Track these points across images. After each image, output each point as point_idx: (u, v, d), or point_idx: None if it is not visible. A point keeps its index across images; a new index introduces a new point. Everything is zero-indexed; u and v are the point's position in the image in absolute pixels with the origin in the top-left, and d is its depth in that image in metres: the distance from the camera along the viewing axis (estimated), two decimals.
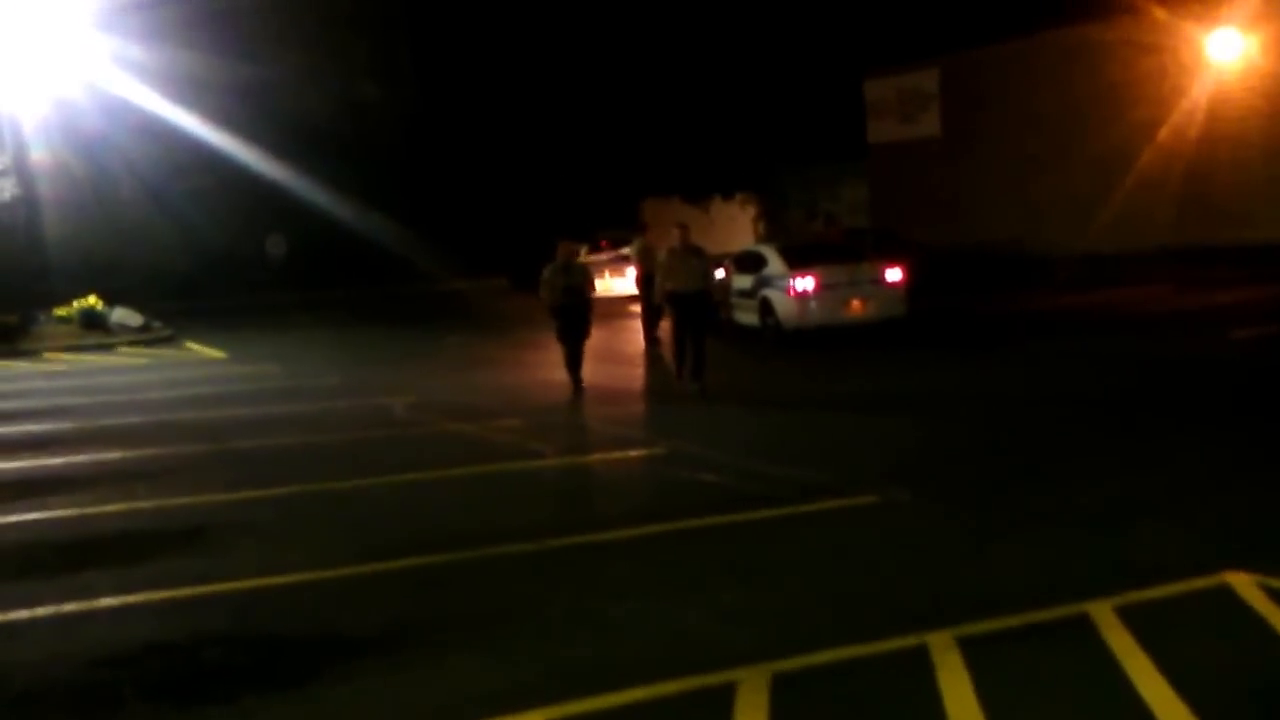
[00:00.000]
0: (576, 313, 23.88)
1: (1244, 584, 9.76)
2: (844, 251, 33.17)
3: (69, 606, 10.99)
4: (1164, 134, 43.06)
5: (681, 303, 23.30)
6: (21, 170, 46.82)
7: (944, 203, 49.50)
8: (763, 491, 14.28)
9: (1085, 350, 26.02)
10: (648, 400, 23.90)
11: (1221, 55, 42.13)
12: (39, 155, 50.27)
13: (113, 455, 18.82)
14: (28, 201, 47.72)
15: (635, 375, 26.79)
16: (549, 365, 27.39)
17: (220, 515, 14.55)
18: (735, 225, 58.49)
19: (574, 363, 23.80)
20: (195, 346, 38.53)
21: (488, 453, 17.91)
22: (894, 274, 29.94)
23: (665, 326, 25.87)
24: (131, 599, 11.15)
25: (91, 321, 42.50)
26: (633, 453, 17.58)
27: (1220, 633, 8.97)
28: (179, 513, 14.78)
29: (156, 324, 43.20)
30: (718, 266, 28.41)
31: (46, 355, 37.17)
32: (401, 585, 11.37)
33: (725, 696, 8.03)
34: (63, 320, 43.00)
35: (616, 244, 49.76)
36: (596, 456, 17.89)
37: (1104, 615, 9.21)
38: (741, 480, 14.89)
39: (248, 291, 58.27)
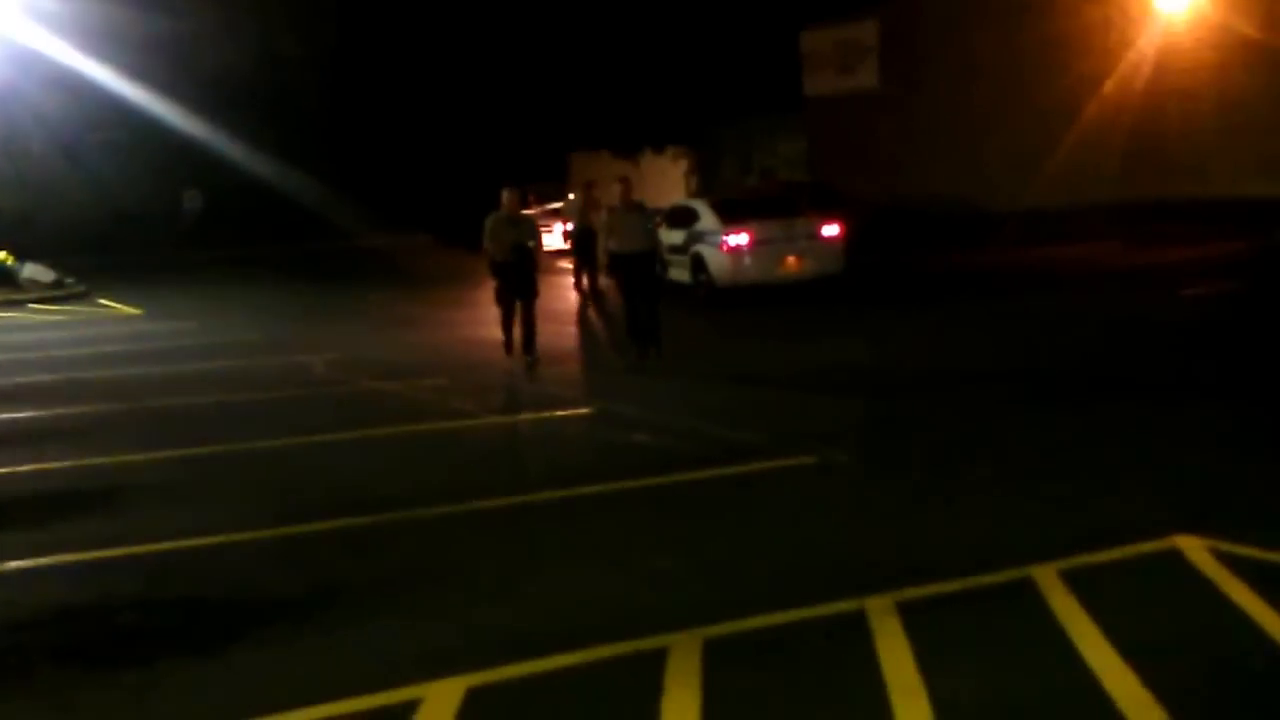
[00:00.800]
0: (522, 271, 21.91)
1: (1193, 548, 9.71)
2: (780, 206, 32.98)
3: None
4: (1111, 87, 42.96)
5: (627, 265, 21.76)
6: None
7: (884, 157, 49.32)
8: (697, 453, 14.22)
9: (1029, 309, 25.94)
10: (578, 359, 23.66)
11: (1170, 6, 42.15)
12: None
13: (23, 414, 18.78)
14: None
15: (566, 333, 26.67)
16: (474, 323, 27.34)
17: (135, 475, 14.47)
18: (666, 179, 58.20)
19: (508, 326, 22.02)
20: (110, 303, 38.27)
21: (412, 412, 17.83)
22: (831, 230, 29.88)
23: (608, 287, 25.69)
24: (43, 561, 11.08)
25: (1, 277, 42.13)
26: (562, 413, 17.53)
27: (1167, 596, 8.94)
28: (92, 473, 14.73)
29: (69, 280, 42.88)
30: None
31: None
32: (322, 548, 11.29)
33: (656, 663, 7.96)
34: None
35: (543, 198, 49.65)
36: (525, 416, 17.84)
37: (1048, 579, 9.15)
38: (675, 441, 14.84)
39: (164, 248, 57.88)
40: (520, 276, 21.94)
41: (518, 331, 21.88)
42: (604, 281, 28.59)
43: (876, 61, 52.01)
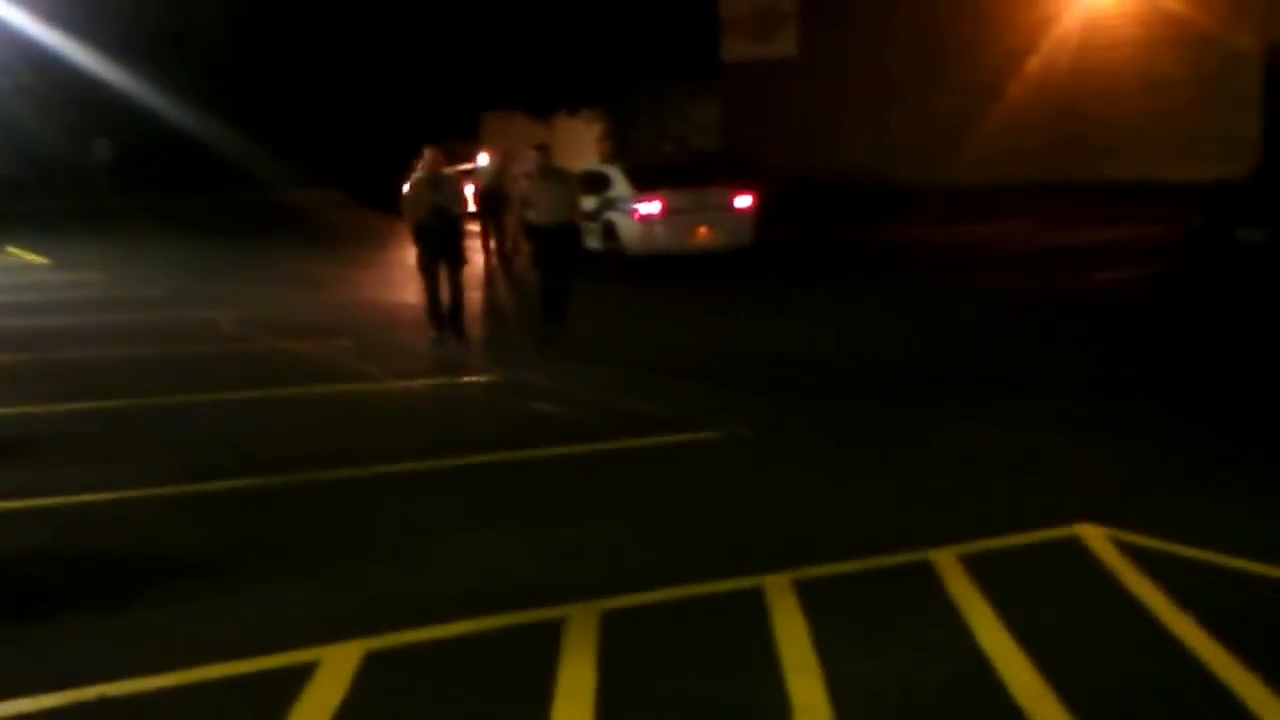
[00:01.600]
0: (446, 236, 20.34)
1: (1094, 536, 9.84)
2: (692, 175, 33.11)
3: None
4: (1033, 63, 43.00)
5: (545, 238, 20.40)
6: None
7: (800, 128, 49.34)
8: (601, 424, 14.32)
9: (940, 288, 26.11)
10: (486, 325, 23.52)
11: None
12: None
13: None
14: None
15: (472, 299, 26.69)
16: (383, 285, 27.42)
17: (37, 427, 14.48)
18: (580, 143, 58.10)
19: (435, 298, 20.47)
20: (16, 251, 37.98)
21: (316, 373, 17.86)
22: (744, 201, 29.88)
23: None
24: None
25: None
26: (468, 379, 17.60)
27: (1065, 583, 9.06)
28: None
29: None
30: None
31: None
32: (224, 507, 11.32)
33: (553, 633, 8.04)
34: None
35: (454, 159, 49.50)
36: (429, 382, 17.79)
37: (947, 563, 9.26)
38: (579, 412, 14.91)
39: (73, 196, 57.49)
40: (445, 241, 20.40)
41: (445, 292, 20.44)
42: (514, 249, 28.31)
43: (795, 30, 51.97)
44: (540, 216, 20.31)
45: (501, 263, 32.01)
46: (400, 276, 29.14)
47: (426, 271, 20.54)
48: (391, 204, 22.38)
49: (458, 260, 20.60)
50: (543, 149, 21.38)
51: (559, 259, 20.32)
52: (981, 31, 44.24)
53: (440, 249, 20.41)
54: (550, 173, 20.78)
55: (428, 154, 21.03)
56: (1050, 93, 42.54)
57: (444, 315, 20.46)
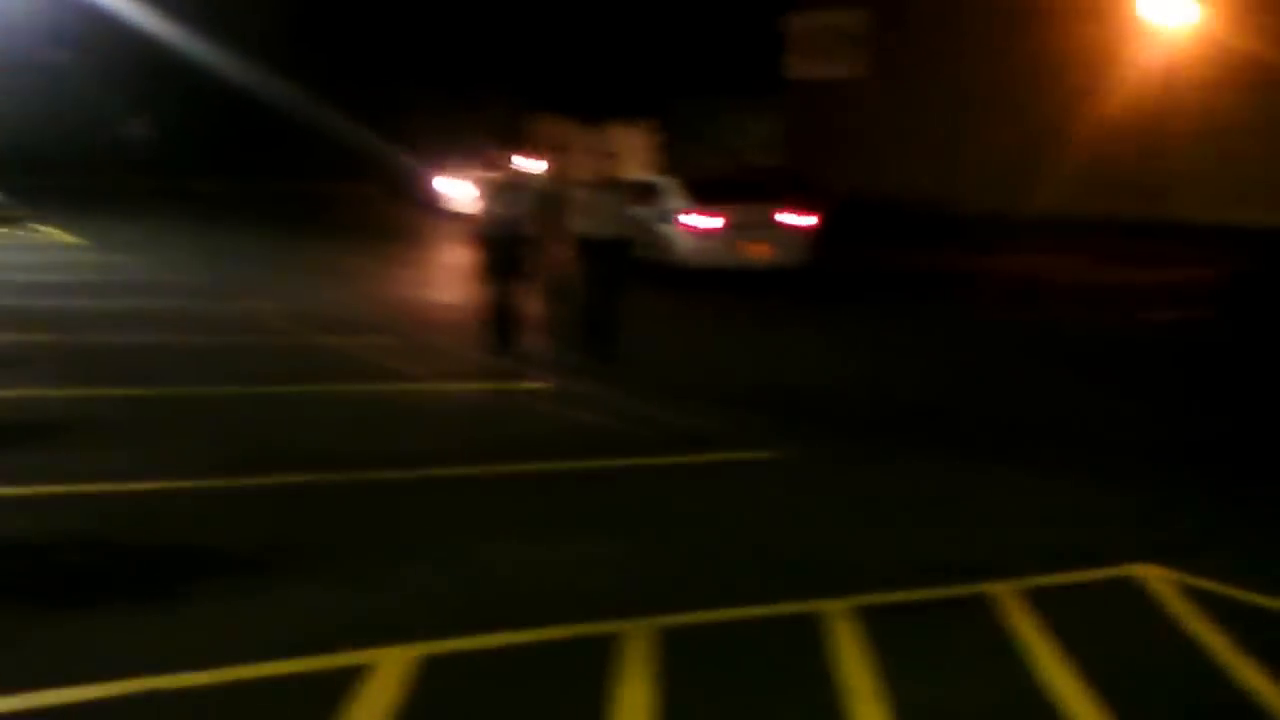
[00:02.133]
0: (510, 251, 19.24)
1: (1152, 576, 9.90)
2: (749, 190, 33.10)
3: None
4: (1101, 101, 43.00)
5: (595, 252, 19.37)
6: None
7: (860, 150, 49.23)
8: (649, 438, 14.42)
9: (992, 318, 26.30)
10: (535, 330, 23.55)
11: (1162, 24, 42.15)
12: None
13: None
14: None
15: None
16: (424, 283, 27.53)
17: (74, 412, 14.49)
18: (632, 153, 58.19)
19: (495, 313, 19.36)
20: (51, 229, 38.09)
21: (358, 370, 17.92)
22: (800, 219, 29.99)
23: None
24: None
25: None
26: (513, 385, 17.57)
27: (1123, 622, 9.12)
28: (31, 405, 14.75)
29: (9, 202, 42.60)
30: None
31: None
32: (265, 503, 11.35)
33: (610, 648, 8.06)
34: None
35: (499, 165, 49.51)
36: (474, 386, 17.84)
37: (1006, 596, 9.30)
38: (627, 424, 14.97)
39: (110, 175, 57.61)
40: (508, 256, 19.26)
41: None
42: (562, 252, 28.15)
43: (863, 51, 51.95)
44: (591, 227, 19.42)
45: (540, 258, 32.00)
46: (441, 276, 29.28)
47: (487, 284, 19.55)
48: (428, 200, 22.19)
49: (520, 277, 19.46)
50: (608, 156, 21.31)
51: (607, 274, 19.39)
52: (1051, 67, 44.11)
53: (502, 264, 19.33)
54: (608, 182, 20.25)
55: (497, 159, 20.86)
56: (1117, 131, 42.37)
57: (503, 331, 19.35)
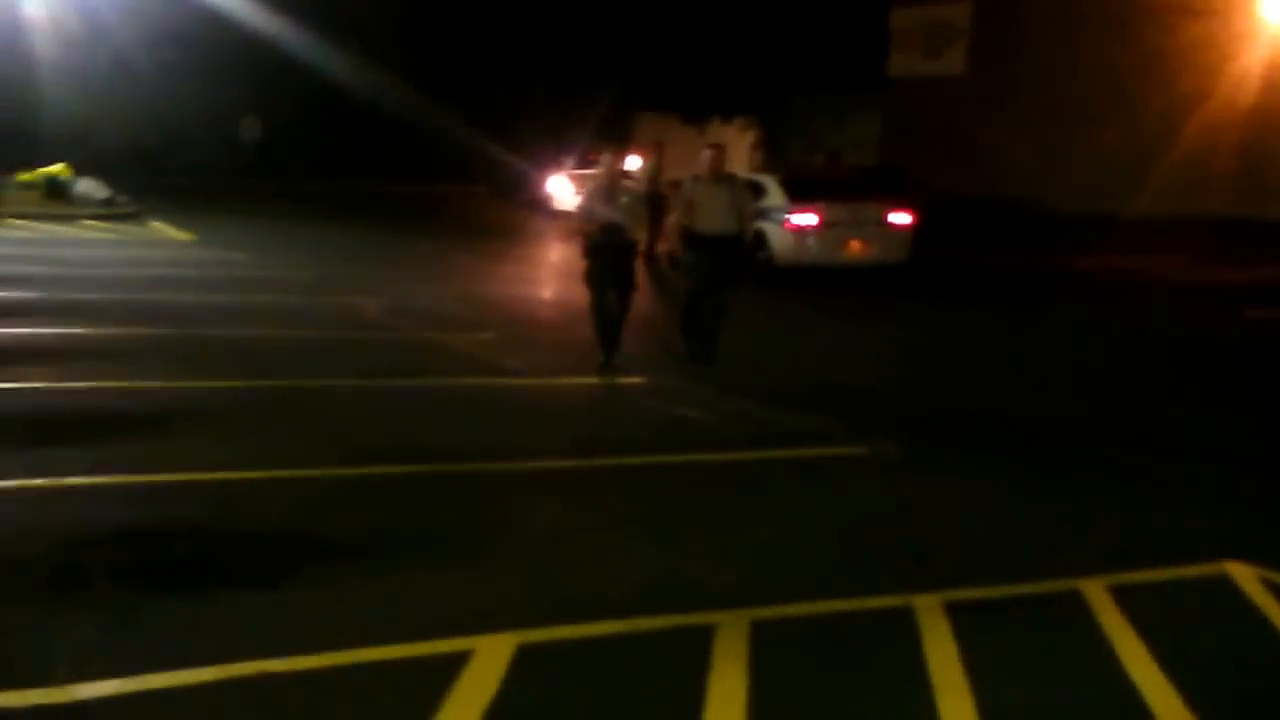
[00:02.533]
0: (617, 258, 18.08)
1: (1244, 575, 9.92)
2: (848, 188, 33.07)
3: (35, 482, 11.11)
4: (1208, 101, 42.62)
5: (707, 249, 18.53)
6: (12, 26, 46.76)
7: (962, 147, 48.79)
8: (747, 433, 14.49)
9: (1093, 316, 26.25)
10: (634, 325, 23.61)
11: (1276, 22, 41.76)
12: (33, 12, 50.00)
13: (76, 331, 19.02)
14: (14, 59, 47.68)
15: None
16: (526, 281, 27.73)
17: (188, 403, 14.71)
18: (733, 151, 58.05)
19: (603, 320, 18.13)
20: (161, 225, 38.51)
21: (462, 365, 18.05)
22: (900, 217, 29.98)
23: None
24: (100, 480, 11.30)
25: (55, 190, 42.43)
26: (614, 380, 17.63)
27: (1215, 620, 9.14)
28: (145, 396, 14.96)
29: (122, 198, 43.12)
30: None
31: (6, 221, 37.14)
32: (375, 492, 11.52)
33: (703, 639, 8.18)
34: (25, 186, 42.95)
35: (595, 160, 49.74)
36: (575, 381, 17.85)
37: (1097, 593, 9.34)
38: (724, 419, 15.03)
39: (219, 173, 58.08)
40: (615, 263, 18.07)
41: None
42: (665, 249, 28.04)
43: (966, 47, 51.63)
44: (704, 224, 18.54)
45: (648, 264, 32.15)
46: (542, 274, 29.45)
47: (593, 290, 18.16)
48: (537, 200, 22.12)
49: (628, 285, 18.22)
50: (716, 150, 19.24)
51: (719, 272, 18.53)
52: (1158, 67, 43.70)
53: (609, 271, 18.05)
54: (720, 177, 18.95)
55: (606, 158, 19.40)
56: (1225, 131, 42.04)
57: (607, 337, 18.16)
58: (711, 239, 18.48)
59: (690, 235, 18.81)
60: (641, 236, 18.81)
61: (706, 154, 19.12)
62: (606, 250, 17.96)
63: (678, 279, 19.53)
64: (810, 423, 14.92)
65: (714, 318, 18.54)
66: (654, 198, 31.88)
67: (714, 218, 18.47)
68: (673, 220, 19.88)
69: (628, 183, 19.86)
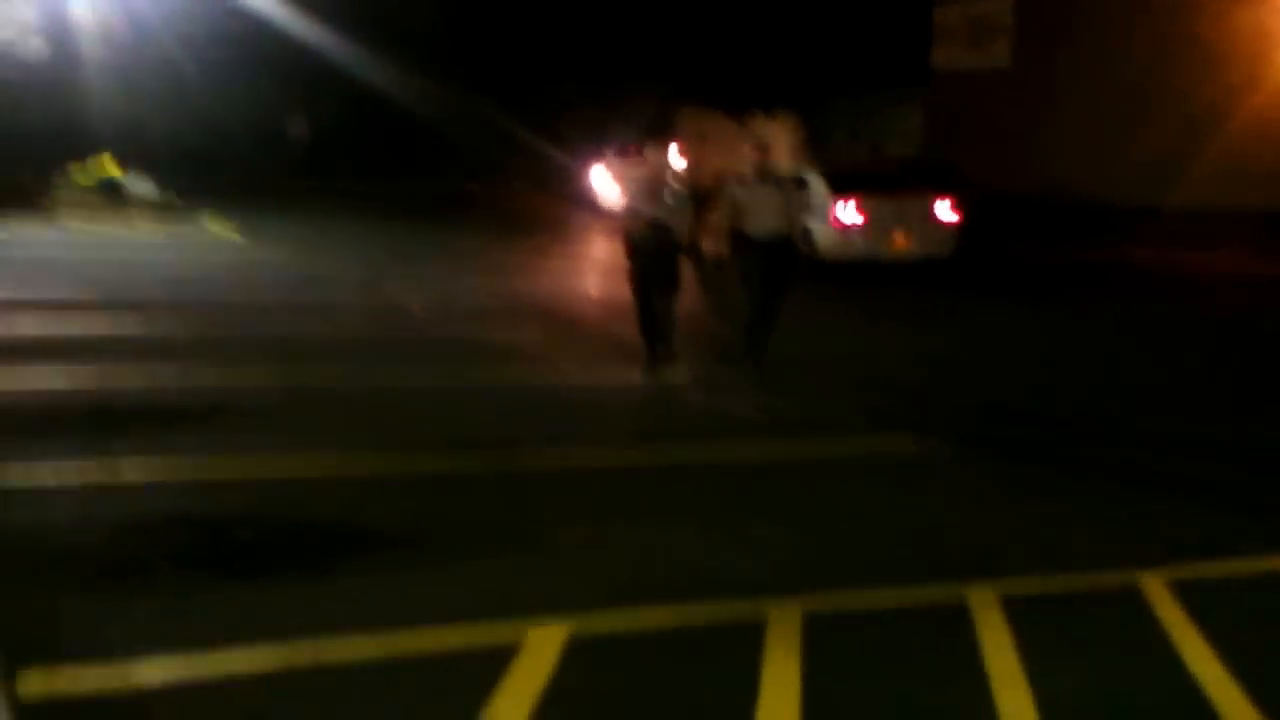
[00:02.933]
0: (660, 257, 17.26)
1: None
2: (893, 181, 32.87)
3: (94, 475, 11.29)
4: (1257, 93, 42.52)
5: (756, 252, 17.36)
6: (60, 27, 47.02)
7: (1007, 140, 48.64)
8: (792, 428, 14.43)
9: (1144, 311, 26.02)
10: (680, 321, 23.56)
11: None
12: (80, 11, 50.31)
13: (132, 329, 19.18)
14: (66, 58, 47.91)
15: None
16: (569, 276, 27.75)
17: (241, 399, 14.79)
18: (776, 145, 57.99)
19: (648, 321, 17.54)
20: (213, 226, 38.68)
21: (508, 361, 18.01)
22: (945, 211, 29.89)
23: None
24: (156, 472, 11.48)
25: (109, 190, 42.72)
26: (661, 379, 17.49)
27: (1276, 617, 9.08)
28: (200, 391, 15.10)
29: (174, 198, 43.33)
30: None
31: (63, 222, 37.43)
32: (423, 485, 11.57)
33: (755, 630, 8.18)
34: (81, 187, 43.25)
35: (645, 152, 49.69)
36: (622, 377, 17.79)
37: (1155, 586, 9.30)
38: (772, 416, 14.98)
39: (268, 173, 58.29)
40: (658, 263, 17.30)
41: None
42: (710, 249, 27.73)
43: (1010, 41, 51.46)
44: (754, 226, 17.34)
45: (691, 257, 32.15)
46: (585, 269, 29.46)
47: (638, 292, 17.52)
48: (581, 196, 21.86)
49: (671, 285, 17.46)
50: (761, 149, 18.26)
51: (770, 277, 17.43)
52: (1205, 55, 43.50)
53: (652, 270, 17.35)
54: (767, 177, 17.75)
55: (650, 154, 18.78)
56: (1273, 123, 41.87)
57: (653, 338, 17.54)
58: (762, 243, 17.28)
59: (740, 239, 17.49)
60: (682, 228, 17.31)
61: (750, 153, 18.17)
62: (651, 250, 17.18)
63: (720, 280, 18.41)
64: (857, 418, 14.90)
65: (768, 318, 17.54)
66: (697, 192, 31.86)
67: (763, 220, 17.30)
68: (716, 220, 17.90)
69: (672, 180, 18.64)
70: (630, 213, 17.68)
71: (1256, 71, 42.07)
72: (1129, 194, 42.81)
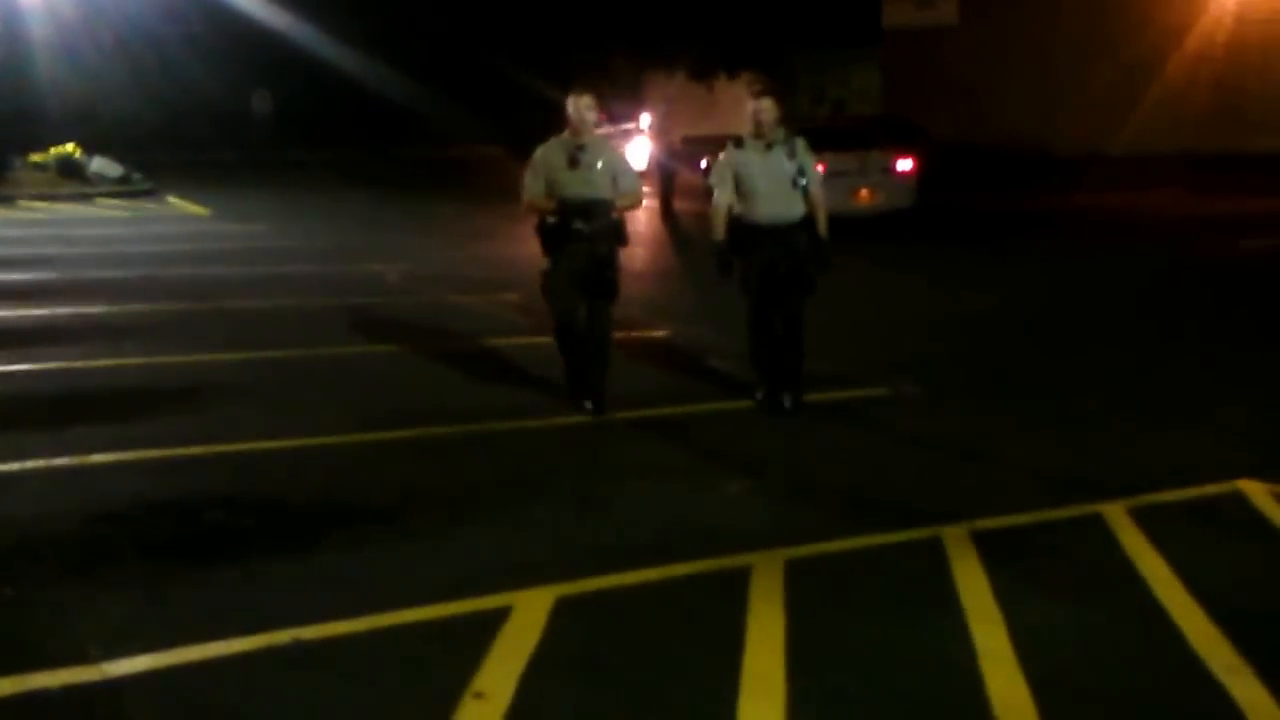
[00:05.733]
0: (587, 253, 12.62)
1: (1257, 492, 10.07)
2: (853, 138, 33.02)
3: (61, 461, 11.05)
4: (1190, 38, 43.20)
5: (764, 245, 12.78)
6: (10, 10, 46.69)
7: (959, 94, 49.30)
8: None
9: (1096, 252, 26.56)
10: (652, 280, 23.58)
11: None
12: None
13: (97, 309, 19.02)
14: (12, 40, 47.57)
15: (639, 255, 26.74)
16: None
17: (212, 375, 14.69)
18: (740, 107, 57.76)
19: (572, 352, 13.14)
20: (177, 201, 38.55)
21: (485, 326, 17.98)
22: (905, 164, 30.11)
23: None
24: (126, 456, 11.24)
25: (69, 170, 42.53)
26: (636, 334, 17.49)
27: (1232, 536, 9.32)
28: (169, 371, 14.96)
29: (136, 176, 43.12)
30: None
31: (21, 203, 37.16)
32: (402, 455, 11.48)
33: (740, 580, 8.22)
34: (39, 167, 43.03)
35: (615, 119, 49.80)
36: None
37: (1117, 516, 9.47)
38: (747, 367, 14.93)
39: (233, 147, 58.06)
40: (588, 263, 12.66)
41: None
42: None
43: None
44: (761, 210, 12.85)
45: (666, 216, 32.18)
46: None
47: (554, 306, 13.00)
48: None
49: (605, 292, 12.96)
50: (763, 102, 12.94)
51: (785, 275, 12.89)
52: (1140, 6, 44.10)
53: (576, 277, 12.72)
54: (775, 140, 12.99)
55: (570, 108, 12.87)
56: (1206, 67, 42.80)
57: (585, 378, 13.10)
58: (772, 230, 12.82)
59: (742, 228, 13.04)
60: (630, 209, 13.22)
61: (754, 108, 13.08)
62: (569, 244, 12.64)
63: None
64: (832, 368, 14.88)
65: (791, 335, 13.14)
66: (666, 163, 31.89)
67: (772, 201, 12.82)
68: (716, 204, 13.10)
69: (600, 137, 13.39)
70: (530, 192, 13.01)
71: (1185, 18, 42.78)
72: (1073, 142, 43.54)
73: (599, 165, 12.73)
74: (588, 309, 12.96)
